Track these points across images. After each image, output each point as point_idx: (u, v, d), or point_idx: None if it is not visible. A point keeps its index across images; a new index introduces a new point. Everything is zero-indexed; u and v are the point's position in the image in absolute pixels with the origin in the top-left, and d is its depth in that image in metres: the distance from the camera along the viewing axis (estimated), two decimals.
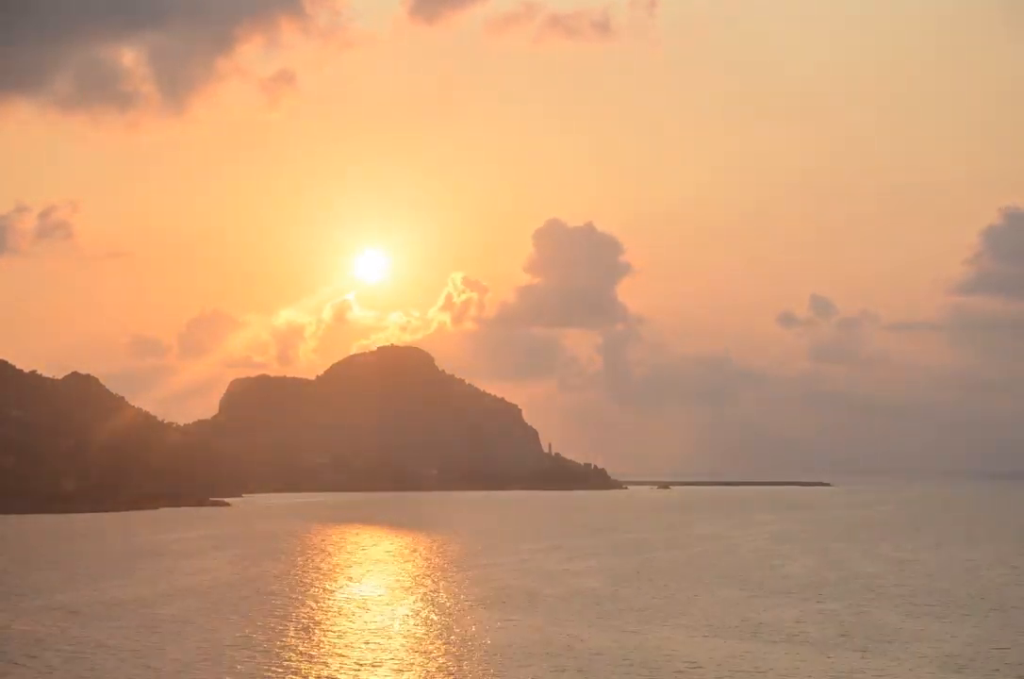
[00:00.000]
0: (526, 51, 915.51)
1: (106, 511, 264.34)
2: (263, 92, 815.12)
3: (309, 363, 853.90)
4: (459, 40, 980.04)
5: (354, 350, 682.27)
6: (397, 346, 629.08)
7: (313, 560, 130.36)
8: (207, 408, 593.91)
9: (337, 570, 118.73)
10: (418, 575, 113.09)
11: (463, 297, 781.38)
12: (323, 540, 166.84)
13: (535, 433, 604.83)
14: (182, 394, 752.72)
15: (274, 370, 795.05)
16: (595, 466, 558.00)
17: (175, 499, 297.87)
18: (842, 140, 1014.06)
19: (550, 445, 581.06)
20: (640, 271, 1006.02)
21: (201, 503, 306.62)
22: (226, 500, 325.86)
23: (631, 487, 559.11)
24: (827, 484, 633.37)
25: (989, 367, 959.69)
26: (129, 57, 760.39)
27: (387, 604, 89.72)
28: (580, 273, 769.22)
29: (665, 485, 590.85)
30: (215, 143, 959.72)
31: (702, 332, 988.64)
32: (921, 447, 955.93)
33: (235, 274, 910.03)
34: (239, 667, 61.83)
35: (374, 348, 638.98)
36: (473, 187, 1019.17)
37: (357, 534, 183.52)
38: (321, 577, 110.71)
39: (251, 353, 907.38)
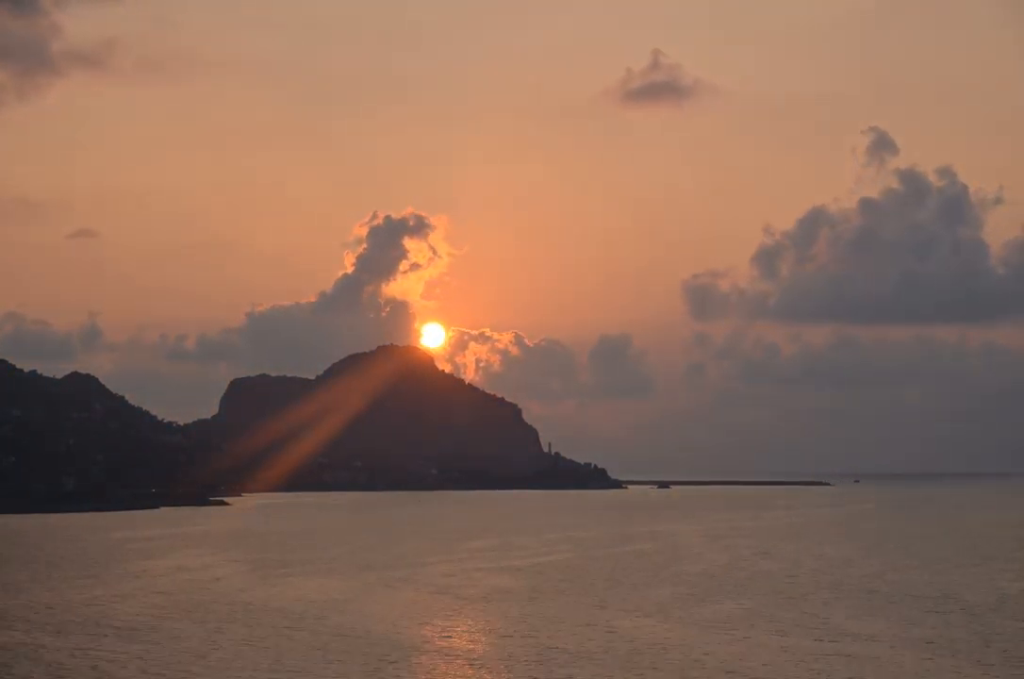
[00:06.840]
0: None
1: (106, 511, 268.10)
2: None
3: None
4: None
5: None
6: (397, 346, 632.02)
7: (278, 560, 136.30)
8: (207, 408, 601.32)
9: (297, 569, 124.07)
10: (370, 574, 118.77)
11: None
12: (304, 539, 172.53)
13: (535, 433, 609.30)
14: (182, 394, 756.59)
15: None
16: (595, 466, 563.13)
17: (175, 499, 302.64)
18: None
19: (550, 445, 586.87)
20: None
21: (201, 502, 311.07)
22: (226, 499, 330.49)
23: (631, 487, 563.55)
24: (826, 484, 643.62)
25: None
26: None
27: (335, 603, 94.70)
28: None
29: (665, 484, 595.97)
30: None
31: None
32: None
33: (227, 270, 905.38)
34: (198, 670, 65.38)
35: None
36: None
37: (342, 533, 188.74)
38: (273, 576, 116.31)
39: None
